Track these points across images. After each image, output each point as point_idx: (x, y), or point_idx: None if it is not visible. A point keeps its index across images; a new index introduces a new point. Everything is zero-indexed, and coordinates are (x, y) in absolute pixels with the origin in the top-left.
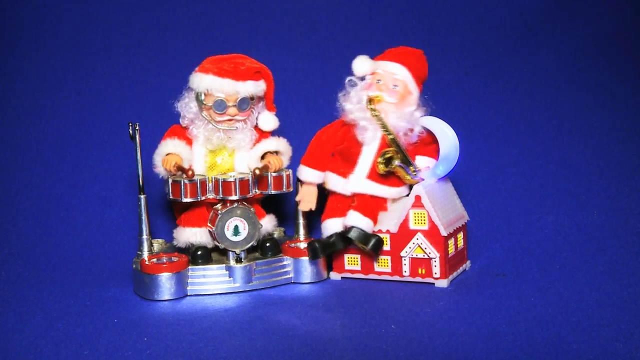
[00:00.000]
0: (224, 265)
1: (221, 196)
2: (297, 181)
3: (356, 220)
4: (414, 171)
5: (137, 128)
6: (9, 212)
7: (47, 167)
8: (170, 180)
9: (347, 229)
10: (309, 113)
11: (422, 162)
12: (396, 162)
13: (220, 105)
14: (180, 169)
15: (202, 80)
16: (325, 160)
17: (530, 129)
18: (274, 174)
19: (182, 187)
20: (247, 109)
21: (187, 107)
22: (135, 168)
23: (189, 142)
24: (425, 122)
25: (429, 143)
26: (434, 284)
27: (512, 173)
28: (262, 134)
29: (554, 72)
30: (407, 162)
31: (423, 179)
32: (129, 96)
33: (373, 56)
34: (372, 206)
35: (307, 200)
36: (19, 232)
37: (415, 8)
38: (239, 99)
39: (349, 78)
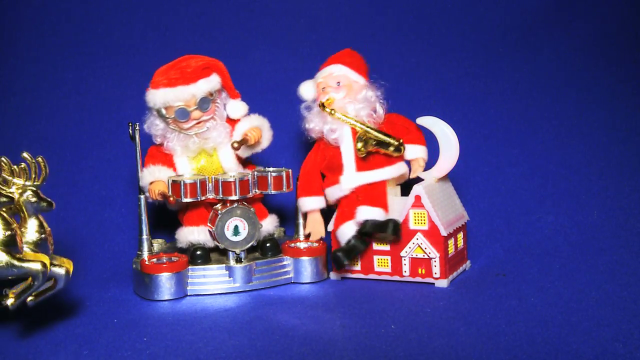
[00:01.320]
0: (223, 265)
1: (221, 196)
2: (302, 215)
3: (367, 213)
4: (398, 145)
5: (137, 128)
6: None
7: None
8: (170, 181)
9: (361, 226)
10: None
11: (413, 151)
12: (372, 141)
13: (183, 114)
14: (164, 196)
15: (156, 96)
16: (319, 184)
17: (530, 129)
18: (274, 174)
19: (182, 187)
20: (210, 107)
21: (154, 126)
22: (135, 168)
23: (168, 159)
24: (426, 122)
25: (410, 131)
26: (434, 284)
27: (512, 173)
28: (233, 123)
29: (554, 72)
30: (384, 142)
31: (423, 179)
32: (129, 96)
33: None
34: (376, 195)
35: (316, 230)
36: None
37: (415, 8)
38: (197, 101)
39: (302, 105)
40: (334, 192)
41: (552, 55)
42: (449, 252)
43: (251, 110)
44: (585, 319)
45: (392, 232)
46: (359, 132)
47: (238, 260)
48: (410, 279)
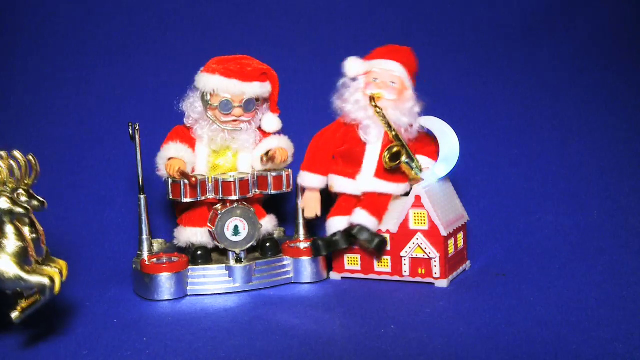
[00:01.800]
0: (224, 265)
1: (221, 196)
2: (300, 188)
3: (362, 218)
4: (418, 167)
5: (137, 128)
6: None
7: (47, 167)
8: (170, 181)
9: (352, 227)
10: (309, 113)
11: (422, 162)
12: (403, 158)
13: (227, 106)
14: (184, 175)
15: (208, 81)
16: (327, 164)
17: (530, 129)
18: (273, 174)
19: (182, 187)
20: (253, 110)
21: (192, 107)
22: (135, 168)
23: (192, 143)
24: (425, 122)
25: (428, 144)
26: (434, 284)
27: (512, 173)
28: (264, 135)
29: (554, 72)
30: (411, 158)
31: (423, 179)
32: (129, 96)
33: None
34: (378, 205)
35: (311, 206)
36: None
37: (415, 8)
38: (244, 99)
39: (342, 80)
40: (343, 184)
41: (552, 55)
42: (449, 252)
43: None
44: (585, 319)
45: (376, 248)
46: (393, 143)
47: (238, 260)
48: (410, 279)
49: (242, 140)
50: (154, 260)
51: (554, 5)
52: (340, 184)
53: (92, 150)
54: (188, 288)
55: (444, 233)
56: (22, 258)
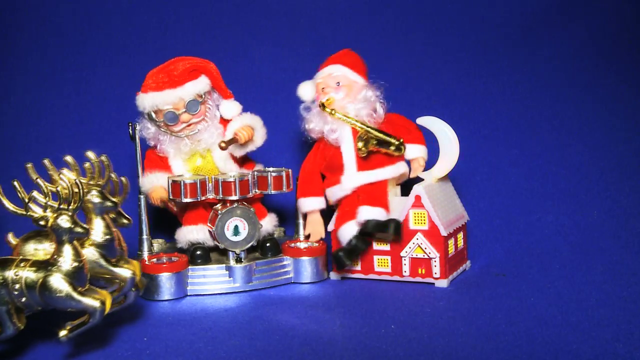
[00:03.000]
0: (223, 265)
1: (221, 196)
2: (302, 216)
3: (368, 213)
4: (398, 145)
5: (137, 128)
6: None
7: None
8: (170, 181)
9: (363, 225)
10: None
11: (413, 151)
12: (373, 141)
13: (172, 117)
14: (165, 203)
15: (145, 100)
16: (319, 185)
17: (530, 129)
18: (274, 174)
19: (182, 188)
20: (199, 109)
21: (146, 130)
22: (135, 168)
23: (164, 162)
24: (426, 122)
25: (411, 130)
26: (434, 284)
27: (512, 173)
28: (227, 123)
29: (554, 72)
30: (385, 141)
31: (423, 179)
32: (129, 96)
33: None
34: (377, 194)
35: (315, 230)
36: (19, 232)
37: (415, 8)
38: (185, 103)
39: (301, 106)
40: (335, 192)
41: (552, 55)
42: (449, 252)
43: (251, 110)
44: (585, 319)
45: (394, 232)
46: (359, 131)
47: (238, 260)
48: (410, 279)
49: (205, 139)
50: (154, 260)
51: (553, 5)
52: (332, 193)
53: (92, 150)
54: (188, 288)
55: (444, 233)
56: (75, 278)
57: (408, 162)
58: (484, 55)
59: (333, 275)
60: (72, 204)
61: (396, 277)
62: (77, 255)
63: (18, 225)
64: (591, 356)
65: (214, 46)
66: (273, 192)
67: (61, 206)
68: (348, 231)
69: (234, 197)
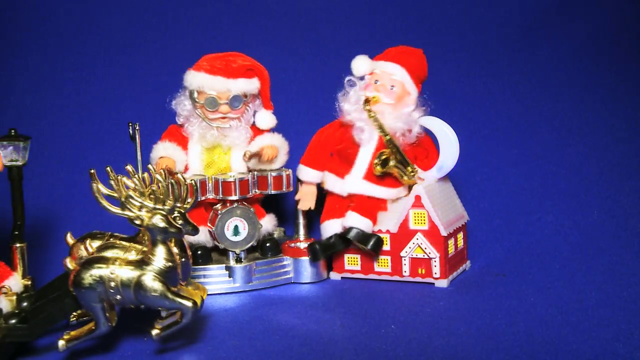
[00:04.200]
0: (224, 265)
1: (221, 196)
2: (297, 181)
3: (355, 221)
4: (411, 172)
5: (137, 128)
6: (9, 213)
7: (47, 167)
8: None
9: (346, 230)
10: (308, 113)
11: (423, 176)
12: (392, 163)
13: (212, 103)
14: (170, 172)
15: (194, 78)
16: (324, 160)
17: (530, 129)
18: (273, 174)
19: None
20: (240, 107)
21: (181, 105)
22: (135, 168)
23: (184, 141)
24: (425, 122)
25: (431, 156)
26: (434, 284)
27: (512, 173)
28: (258, 132)
29: (554, 72)
30: (404, 163)
31: (422, 179)
32: (129, 96)
33: (373, 56)
34: (370, 206)
35: (306, 199)
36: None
37: (415, 8)
38: (230, 96)
39: (347, 78)
40: (333, 183)
41: (552, 55)
42: (449, 252)
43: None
44: (585, 319)
45: (372, 248)
46: (386, 147)
47: (238, 260)
48: (410, 279)
49: (232, 137)
50: None
51: (553, 5)
52: (330, 181)
53: (92, 150)
54: None
55: (444, 233)
56: (168, 278)
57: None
58: (484, 55)
59: (333, 275)
60: (166, 203)
61: (396, 277)
62: (170, 255)
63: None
64: (591, 356)
65: (214, 46)
66: (273, 192)
67: (156, 206)
68: (331, 228)
69: (234, 197)
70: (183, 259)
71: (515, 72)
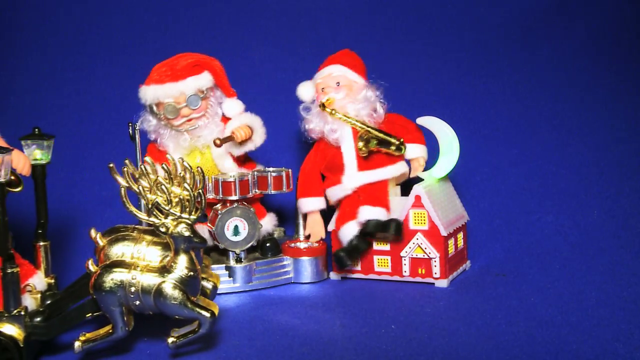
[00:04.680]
0: (223, 265)
1: (221, 196)
2: (302, 215)
3: (369, 213)
4: (399, 144)
5: (137, 128)
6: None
7: (47, 167)
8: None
9: (364, 225)
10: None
11: (413, 151)
12: (374, 142)
13: (172, 110)
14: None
15: (147, 93)
16: (318, 185)
17: (530, 129)
18: (274, 174)
19: None
20: (200, 105)
21: (147, 122)
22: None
23: (162, 156)
24: (426, 122)
25: (411, 130)
26: (434, 284)
27: (512, 173)
28: (228, 121)
29: (554, 72)
30: (385, 142)
31: (423, 179)
32: (129, 96)
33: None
34: (378, 194)
35: (316, 231)
36: (20, 232)
37: (415, 8)
38: (186, 98)
39: (301, 106)
40: (336, 192)
41: (552, 55)
42: (449, 252)
43: (251, 110)
44: (585, 319)
45: (395, 232)
46: (359, 131)
47: (238, 260)
48: (410, 279)
49: (204, 135)
50: None
51: (553, 5)
52: (332, 193)
53: (92, 150)
54: None
55: (444, 233)
56: (188, 287)
57: (408, 162)
58: (484, 55)
59: (333, 275)
60: (193, 213)
61: (396, 277)
62: (192, 264)
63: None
64: (591, 356)
65: (214, 46)
66: (273, 192)
67: (182, 215)
68: (349, 231)
69: (234, 197)
70: (192, 273)
71: (515, 72)
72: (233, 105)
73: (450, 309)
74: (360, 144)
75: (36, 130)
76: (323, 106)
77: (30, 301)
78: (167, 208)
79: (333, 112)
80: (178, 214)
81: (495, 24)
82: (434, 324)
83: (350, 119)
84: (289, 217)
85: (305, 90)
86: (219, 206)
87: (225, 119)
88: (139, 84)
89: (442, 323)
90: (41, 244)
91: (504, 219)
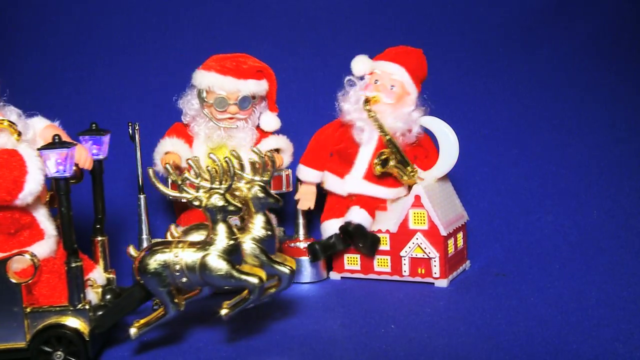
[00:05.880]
0: None
1: None
2: (297, 181)
3: (356, 215)
4: (411, 172)
5: (137, 128)
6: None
7: None
8: (169, 180)
9: (349, 224)
10: (308, 113)
11: (423, 176)
12: (392, 163)
13: (221, 103)
14: (177, 168)
15: (204, 78)
16: (324, 160)
17: (530, 129)
18: (275, 174)
19: None
20: (248, 108)
21: (189, 104)
22: (135, 168)
23: (190, 140)
24: (426, 122)
25: (431, 156)
26: (433, 283)
27: (512, 173)
28: (263, 134)
29: (554, 72)
30: (404, 163)
31: (422, 179)
32: (129, 96)
33: (373, 56)
34: (370, 204)
35: (305, 199)
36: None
37: (415, 8)
38: (240, 97)
39: (347, 78)
40: (333, 183)
41: (552, 55)
42: (449, 252)
43: None
44: (585, 319)
45: (370, 244)
46: (386, 147)
47: None
48: (410, 278)
49: (238, 138)
50: None
51: (553, 5)
52: (330, 182)
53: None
54: None
55: (443, 233)
56: (232, 256)
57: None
58: (484, 55)
59: (333, 275)
60: (223, 182)
61: (396, 277)
62: (232, 233)
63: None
64: (591, 356)
65: (213, 46)
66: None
67: (213, 185)
68: (331, 227)
69: None
70: (269, 232)
71: (515, 72)
72: (272, 120)
73: (450, 309)
74: (377, 160)
75: (93, 125)
76: (367, 101)
77: (92, 295)
78: (197, 181)
79: (371, 112)
80: (209, 185)
81: (495, 24)
82: (434, 324)
83: (384, 130)
84: (288, 217)
85: (359, 65)
86: None
87: (260, 130)
88: (145, 87)
89: (442, 323)
90: (99, 238)
91: (504, 219)
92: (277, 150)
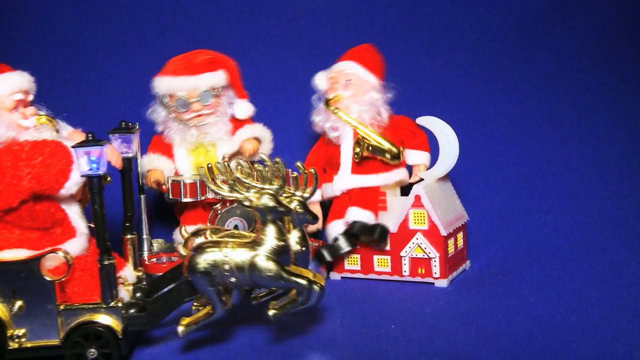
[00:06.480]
0: None
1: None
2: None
3: (357, 214)
4: (392, 156)
5: (137, 128)
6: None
7: None
8: (169, 181)
9: (350, 226)
10: (308, 113)
11: (415, 157)
12: (369, 149)
13: (183, 104)
14: (158, 184)
15: (161, 84)
16: (320, 178)
17: (530, 129)
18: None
19: (182, 187)
20: (212, 102)
21: (156, 113)
22: (135, 168)
23: (168, 148)
24: (426, 122)
25: (417, 134)
26: (433, 283)
27: (512, 173)
28: (237, 124)
29: (554, 72)
30: (380, 149)
31: (422, 179)
32: (129, 96)
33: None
34: (368, 199)
35: None
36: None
37: (415, 8)
38: (199, 93)
39: (314, 96)
40: (328, 190)
41: (552, 55)
42: (449, 252)
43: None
44: (585, 319)
45: (379, 236)
46: (358, 135)
47: None
48: (410, 278)
49: (212, 133)
50: (154, 260)
51: (554, 5)
52: (325, 189)
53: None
54: None
55: (443, 233)
56: (280, 256)
57: (410, 166)
58: (484, 55)
59: (333, 275)
60: (274, 183)
61: (396, 277)
62: (281, 234)
63: None
64: (591, 356)
65: (213, 46)
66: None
67: (264, 186)
68: (334, 229)
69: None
70: (303, 248)
71: (515, 72)
72: (243, 107)
73: (450, 309)
74: (357, 149)
75: (122, 123)
76: (327, 103)
77: (124, 293)
78: (247, 181)
79: (335, 110)
80: (260, 185)
81: (495, 24)
82: (433, 324)
83: (350, 120)
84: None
85: (319, 80)
86: (218, 206)
87: (234, 119)
88: (145, 87)
89: (442, 323)
90: (129, 236)
91: (504, 219)
92: (256, 139)
